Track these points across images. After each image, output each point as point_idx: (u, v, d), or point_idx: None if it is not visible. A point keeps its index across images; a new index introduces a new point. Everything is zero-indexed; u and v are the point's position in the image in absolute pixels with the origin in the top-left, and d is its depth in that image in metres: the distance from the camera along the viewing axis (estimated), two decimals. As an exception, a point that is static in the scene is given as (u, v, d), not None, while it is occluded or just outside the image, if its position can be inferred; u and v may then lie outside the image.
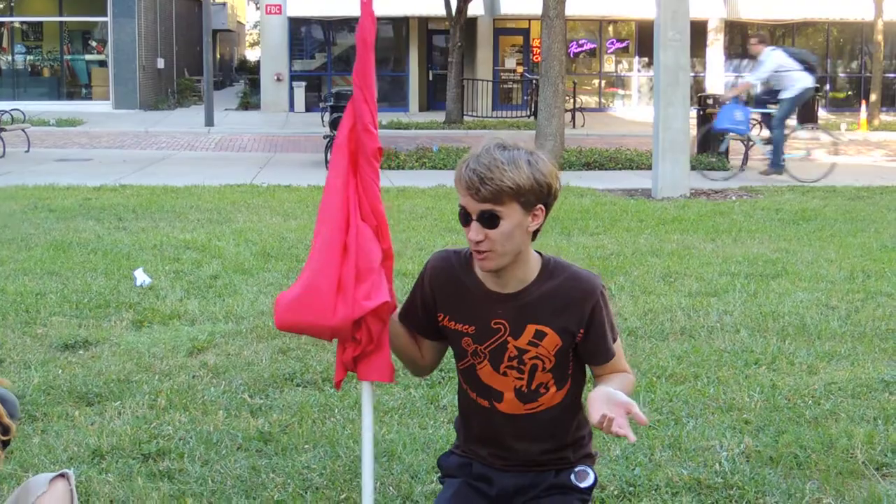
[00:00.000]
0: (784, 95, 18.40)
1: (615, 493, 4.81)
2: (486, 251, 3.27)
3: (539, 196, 3.24)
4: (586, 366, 3.58)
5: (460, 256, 3.50)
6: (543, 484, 3.57)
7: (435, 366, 3.74)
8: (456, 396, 3.78)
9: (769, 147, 18.68)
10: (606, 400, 3.20)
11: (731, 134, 19.45)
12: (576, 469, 3.58)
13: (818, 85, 20.33)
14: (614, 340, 3.50)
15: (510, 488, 3.57)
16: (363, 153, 3.47)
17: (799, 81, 18.27)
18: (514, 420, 3.51)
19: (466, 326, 3.45)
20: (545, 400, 3.48)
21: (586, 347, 3.46)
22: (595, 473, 3.63)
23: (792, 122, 19.06)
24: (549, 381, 3.47)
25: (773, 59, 18.31)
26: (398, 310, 3.63)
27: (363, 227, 3.46)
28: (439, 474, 3.80)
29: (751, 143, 19.56)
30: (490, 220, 3.21)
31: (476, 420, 3.59)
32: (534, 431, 3.52)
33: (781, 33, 42.71)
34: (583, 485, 3.57)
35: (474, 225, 3.23)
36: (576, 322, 3.40)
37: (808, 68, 18.56)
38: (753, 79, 19.08)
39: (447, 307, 3.49)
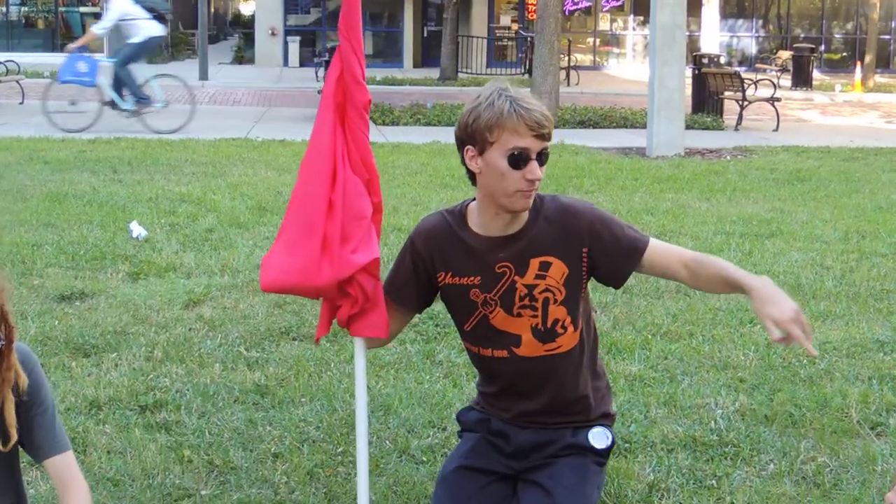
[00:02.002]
0: (130, 41, 17.64)
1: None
2: (535, 189, 3.37)
3: None
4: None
5: (453, 215, 3.53)
6: (560, 442, 3.57)
7: (393, 337, 3.79)
8: (450, 352, 3.79)
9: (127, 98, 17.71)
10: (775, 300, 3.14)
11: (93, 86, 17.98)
12: (594, 429, 3.60)
13: (165, 34, 19.17)
14: (638, 234, 3.50)
15: (527, 445, 3.58)
16: (353, 105, 3.44)
17: (145, 29, 17.56)
18: (534, 364, 3.50)
19: (472, 278, 3.47)
20: (563, 341, 3.48)
21: (609, 257, 3.45)
22: (613, 435, 3.63)
23: (141, 69, 18.04)
24: (564, 319, 3.47)
25: (118, 6, 17.47)
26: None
27: (353, 180, 3.43)
28: (459, 429, 3.83)
29: (106, 97, 17.85)
30: (544, 158, 3.33)
31: (497, 375, 3.60)
32: (554, 375, 3.51)
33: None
34: (599, 446, 3.58)
35: (534, 164, 3.29)
36: (577, 243, 3.42)
37: (158, 17, 17.90)
38: (98, 28, 18.08)
39: (448, 265, 3.51)
